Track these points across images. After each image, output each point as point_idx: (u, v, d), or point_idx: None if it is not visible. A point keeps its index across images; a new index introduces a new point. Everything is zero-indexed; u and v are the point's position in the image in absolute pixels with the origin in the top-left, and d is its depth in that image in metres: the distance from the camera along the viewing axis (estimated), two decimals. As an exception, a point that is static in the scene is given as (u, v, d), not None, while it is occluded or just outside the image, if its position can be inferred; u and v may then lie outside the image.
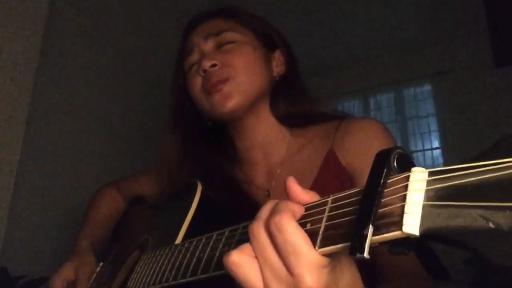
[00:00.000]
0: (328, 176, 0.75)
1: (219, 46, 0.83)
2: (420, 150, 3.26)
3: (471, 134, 2.93)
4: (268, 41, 0.87)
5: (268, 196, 0.82)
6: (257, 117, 0.84)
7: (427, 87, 3.34)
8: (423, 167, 0.31)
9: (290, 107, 0.85)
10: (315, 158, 0.79)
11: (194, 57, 0.85)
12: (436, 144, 3.22)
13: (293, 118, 0.85)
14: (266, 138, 0.85)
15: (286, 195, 0.78)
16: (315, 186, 0.75)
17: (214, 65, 0.80)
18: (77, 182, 1.97)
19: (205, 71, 0.80)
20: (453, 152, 3.05)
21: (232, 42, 0.82)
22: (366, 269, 0.41)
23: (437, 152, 3.21)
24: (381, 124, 0.78)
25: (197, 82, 0.83)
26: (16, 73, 1.57)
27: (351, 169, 0.74)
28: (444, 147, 3.15)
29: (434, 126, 3.24)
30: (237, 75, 0.79)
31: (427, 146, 3.25)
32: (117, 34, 2.25)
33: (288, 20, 2.83)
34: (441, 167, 0.28)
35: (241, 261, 0.38)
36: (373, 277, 0.61)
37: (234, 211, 0.77)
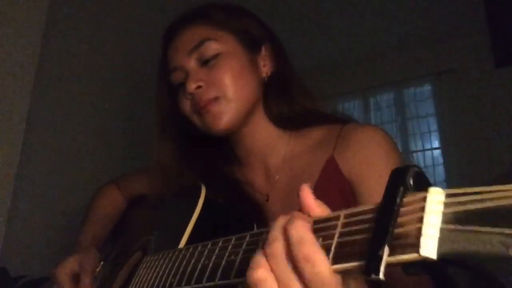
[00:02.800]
0: (328, 184, 0.74)
1: (202, 61, 0.79)
2: (420, 150, 3.27)
3: (471, 134, 2.94)
4: (251, 40, 0.82)
5: (267, 201, 0.81)
6: (252, 124, 0.82)
7: (427, 87, 3.35)
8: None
9: (284, 108, 0.82)
10: (315, 164, 0.77)
11: (179, 75, 0.81)
12: (436, 144, 3.23)
13: (289, 120, 0.82)
14: (264, 143, 0.83)
15: (285, 200, 0.78)
16: (315, 192, 0.74)
17: (200, 87, 0.77)
18: (77, 182, 1.96)
19: (191, 93, 0.78)
20: (453, 152, 3.06)
21: (215, 55, 0.78)
22: None
23: (437, 152, 3.22)
24: (385, 133, 0.76)
25: (186, 104, 0.81)
26: (16, 73, 1.56)
27: (353, 178, 0.73)
28: (444, 147, 3.17)
29: (434, 126, 3.25)
30: (225, 92, 0.76)
31: (427, 146, 3.26)
32: (118, 33, 2.24)
33: (288, 20, 2.83)
34: (457, 188, 0.28)
35: (267, 277, 0.38)
36: None
37: (235, 213, 0.77)
